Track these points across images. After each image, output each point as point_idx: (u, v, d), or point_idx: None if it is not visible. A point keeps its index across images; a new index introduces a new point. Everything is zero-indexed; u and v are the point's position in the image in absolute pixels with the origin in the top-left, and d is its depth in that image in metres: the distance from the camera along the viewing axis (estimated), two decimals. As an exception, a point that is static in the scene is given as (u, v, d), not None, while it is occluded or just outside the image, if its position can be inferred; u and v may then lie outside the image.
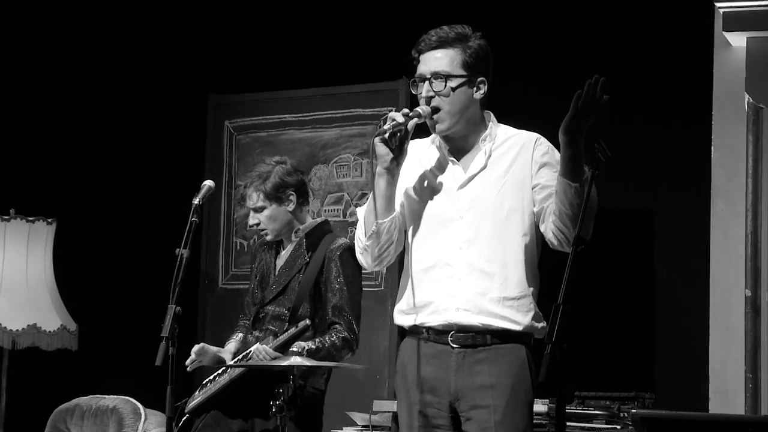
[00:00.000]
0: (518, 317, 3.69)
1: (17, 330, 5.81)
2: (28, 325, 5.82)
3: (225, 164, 6.70)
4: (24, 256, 5.91)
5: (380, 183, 3.69)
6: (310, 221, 4.95)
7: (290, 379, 4.27)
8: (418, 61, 3.74)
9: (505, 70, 3.98)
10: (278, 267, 4.91)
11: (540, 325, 3.71)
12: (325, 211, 6.38)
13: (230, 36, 6.69)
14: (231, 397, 4.72)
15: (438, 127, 3.71)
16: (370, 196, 3.72)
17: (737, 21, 4.99)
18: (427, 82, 3.70)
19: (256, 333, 4.84)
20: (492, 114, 3.81)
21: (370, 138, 6.28)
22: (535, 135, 3.80)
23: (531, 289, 3.72)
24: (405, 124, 3.63)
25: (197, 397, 4.80)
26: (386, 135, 3.63)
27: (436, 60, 3.70)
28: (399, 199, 3.76)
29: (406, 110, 3.67)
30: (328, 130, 6.44)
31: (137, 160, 6.77)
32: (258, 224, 4.89)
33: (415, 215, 3.77)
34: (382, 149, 3.66)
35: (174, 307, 4.24)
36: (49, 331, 5.87)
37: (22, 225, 5.93)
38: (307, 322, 4.58)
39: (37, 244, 5.95)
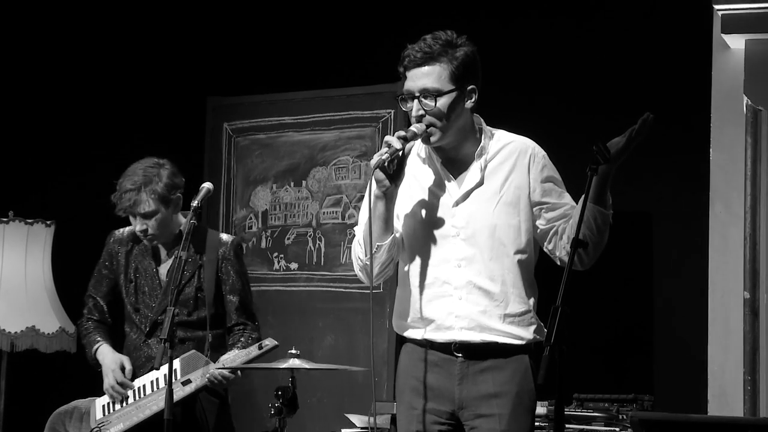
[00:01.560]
0: (521, 332, 3.68)
1: (16, 332, 5.79)
2: (27, 328, 5.81)
3: (224, 166, 6.70)
4: (23, 258, 5.90)
5: (378, 206, 3.64)
6: (183, 220, 4.70)
7: (290, 381, 4.27)
8: (405, 77, 3.66)
9: (502, 74, 3.97)
10: (162, 272, 4.74)
11: (542, 336, 3.70)
12: (324, 213, 6.37)
13: (229, 38, 6.68)
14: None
15: (431, 139, 3.65)
16: (367, 214, 3.65)
17: (736, 23, 4.98)
18: (416, 100, 3.62)
19: (154, 341, 4.68)
20: (482, 119, 3.76)
21: (368, 140, 6.29)
22: (529, 144, 3.74)
23: (531, 302, 3.71)
24: (402, 148, 3.59)
25: (115, 424, 4.67)
26: (385, 164, 3.59)
27: (424, 76, 3.62)
28: (395, 212, 3.72)
29: (401, 132, 3.60)
30: (327, 132, 6.43)
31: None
32: (145, 230, 4.65)
33: (411, 230, 3.73)
34: (379, 174, 3.61)
35: (173, 310, 4.25)
36: (48, 334, 5.86)
37: (20, 227, 5.92)
38: (276, 342, 4.46)
39: (36, 247, 5.94)
